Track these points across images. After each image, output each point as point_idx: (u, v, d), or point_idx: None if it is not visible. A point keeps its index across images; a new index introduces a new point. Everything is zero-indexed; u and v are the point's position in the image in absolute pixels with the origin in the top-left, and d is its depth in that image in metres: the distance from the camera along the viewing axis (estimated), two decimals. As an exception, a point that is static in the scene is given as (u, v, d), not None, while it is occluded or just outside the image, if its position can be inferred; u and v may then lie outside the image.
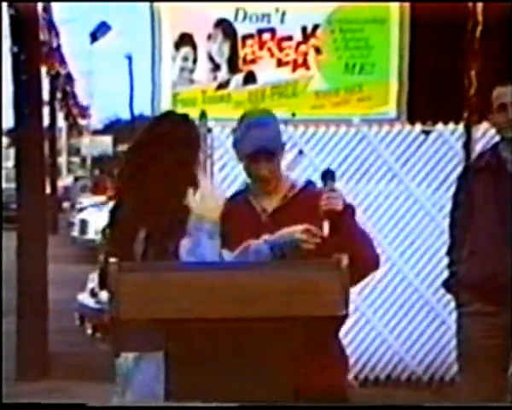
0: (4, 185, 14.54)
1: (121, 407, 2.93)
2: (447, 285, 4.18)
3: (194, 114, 6.66)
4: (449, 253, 4.19)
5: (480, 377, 3.92)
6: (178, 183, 3.08)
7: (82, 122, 27.79)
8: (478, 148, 6.62)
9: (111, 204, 3.20)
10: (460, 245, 4.04)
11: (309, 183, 3.32)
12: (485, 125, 6.77)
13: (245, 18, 7.30)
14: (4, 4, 7.38)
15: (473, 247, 3.94)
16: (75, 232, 18.62)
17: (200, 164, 3.22)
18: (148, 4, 7.44)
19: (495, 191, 3.88)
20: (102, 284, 2.92)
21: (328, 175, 3.10)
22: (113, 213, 3.15)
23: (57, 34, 19.10)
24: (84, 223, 17.91)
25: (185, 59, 7.33)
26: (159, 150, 3.11)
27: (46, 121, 16.82)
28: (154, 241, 3.01)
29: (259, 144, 3.13)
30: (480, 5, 6.39)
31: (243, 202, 3.19)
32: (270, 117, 3.37)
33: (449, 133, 6.79)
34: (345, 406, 2.83)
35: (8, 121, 8.47)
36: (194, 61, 7.33)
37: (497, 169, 3.92)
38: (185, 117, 3.27)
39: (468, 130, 6.51)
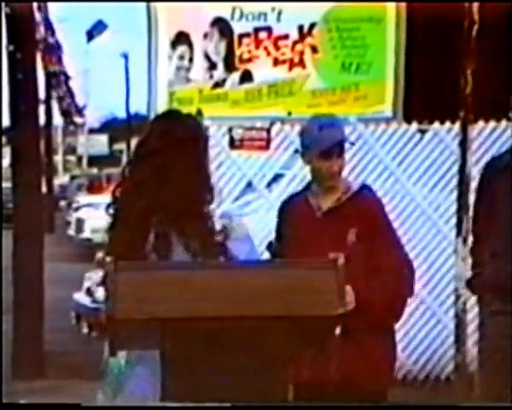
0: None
1: (121, 406, 2.93)
2: (470, 285, 4.19)
3: (186, 111, 6.66)
4: (472, 253, 4.21)
5: (498, 376, 3.94)
6: (191, 181, 3.07)
7: (79, 121, 27.75)
8: (474, 147, 6.63)
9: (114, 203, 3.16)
10: (483, 245, 4.05)
11: (363, 187, 3.52)
12: (480, 124, 6.78)
13: (241, 17, 7.31)
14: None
15: (495, 247, 3.95)
16: (71, 231, 18.63)
17: (209, 162, 3.21)
18: (144, 3, 7.44)
19: None
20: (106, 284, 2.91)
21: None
22: (120, 212, 3.11)
23: (53, 33, 19.08)
24: (80, 222, 17.91)
25: (181, 58, 7.33)
26: (168, 149, 3.10)
27: (42, 120, 16.82)
28: (167, 240, 2.99)
29: (333, 142, 3.42)
30: (475, 5, 6.39)
31: (302, 200, 3.53)
32: (338, 119, 3.68)
33: (445, 132, 6.80)
34: (345, 406, 2.84)
35: (4, 120, 8.46)
36: (191, 59, 7.33)
37: None
38: (190, 116, 3.27)
39: (463, 129, 6.52)
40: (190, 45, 7.32)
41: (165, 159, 3.06)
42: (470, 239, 4.28)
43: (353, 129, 6.69)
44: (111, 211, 3.11)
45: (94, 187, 26.83)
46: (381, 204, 3.52)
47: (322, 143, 3.43)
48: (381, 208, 3.49)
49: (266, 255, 3.53)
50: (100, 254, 3.08)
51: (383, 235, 3.37)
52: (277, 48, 7.30)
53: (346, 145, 3.53)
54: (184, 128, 3.14)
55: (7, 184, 7.81)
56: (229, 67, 7.31)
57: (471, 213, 4.29)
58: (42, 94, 19.37)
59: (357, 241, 3.34)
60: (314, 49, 7.28)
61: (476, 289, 4.17)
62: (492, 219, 3.98)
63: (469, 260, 4.28)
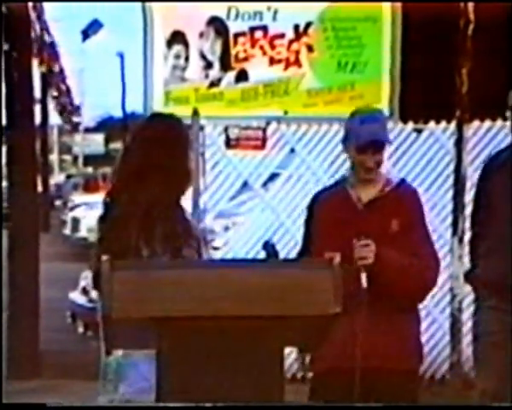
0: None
1: (121, 407, 2.93)
2: (468, 278, 4.24)
3: (186, 112, 6.67)
4: (470, 247, 4.25)
5: (493, 372, 3.96)
6: (173, 182, 3.10)
7: (75, 120, 27.74)
8: (469, 146, 6.64)
9: (105, 202, 3.19)
10: (480, 241, 4.09)
11: (402, 181, 3.63)
12: (476, 123, 6.79)
13: (237, 16, 7.31)
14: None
15: (491, 243, 3.98)
16: (67, 230, 18.60)
17: (192, 162, 3.24)
18: (140, 3, 7.43)
19: None
20: (96, 284, 2.93)
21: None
22: (108, 212, 3.14)
23: (49, 32, 19.06)
24: (75, 221, 17.90)
25: (177, 57, 7.33)
26: (152, 151, 3.13)
27: (38, 119, 16.79)
28: (153, 239, 3.02)
29: (371, 137, 3.48)
30: (471, 4, 6.40)
31: (340, 191, 3.55)
32: (380, 114, 3.77)
33: (440, 132, 6.81)
34: (345, 406, 2.85)
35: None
36: (187, 59, 7.33)
37: None
38: (172, 117, 3.31)
39: (459, 128, 6.53)
40: (186, 44, 7.32)
41: (143, 161, 3.10)
42: (468, 235, 4.31)
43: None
44: (102, 213, 3.15)
45: (90, 186, 26.81)
46: (418, 197, 3.62)
47: (361, 138, 3.50)
48: (419, 201, 3.60)
49: (262, 255, 3.53)
50: (91, 254, 3.10)
51: (420, 226, 3.51)
52: (273, 47, 7.30)
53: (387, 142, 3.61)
54: (163, 130, 3.18)
55: (2, 183, 7.79)
56: (225, 66, 7.31)
57: (470, 209, 4.32)
58: (37, 93, 19.35)
59: (399, 231, 3.45)
60: (310, 49, 7.28)
61: (473, 284, 4.20)
62: (490, 216, 4.01)
63: (467, 256, 4.31)
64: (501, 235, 3.93)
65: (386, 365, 3.43)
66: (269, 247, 3.27)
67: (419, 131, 6.88)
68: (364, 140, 3.48)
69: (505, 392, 3.91)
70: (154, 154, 3.12)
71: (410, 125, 6.89)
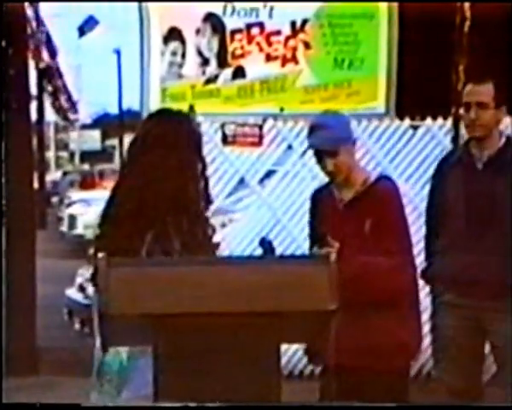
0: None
1: (121, 406, 2.92)
2: (424, 275, 4.25)
3: (183, 108, 6.66)
4: (426, 243, 4.27)
5: (453, 366, 4.00)
6: (181, 179, 3.08)
7: (72, 116, 27.68)
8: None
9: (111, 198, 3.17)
10: (435, 238, 4.12)
11: (381, 178, 3.66)
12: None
13: (233, 12, 7.29)
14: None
15: (446, 240, 4.01)
16: (64, 227, 18.58)
17: (202, 154, 3.23)
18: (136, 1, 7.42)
19: (465, 187, 3.94)
20: (95, 280, 2.92)
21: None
22: (111, 209, 3.12)
23: (45, 28, 19.03)
24: (72, 218, 17.88)
25: (174, 53, 7.32)
26: (167, 147, 3.11)
27: (34, 116, 16.76)
28: (160, 237, 3.00)
29: (318, 145, 3.59)
30: (467, 1, 6.40)
31: (327, 192, 3.67)
32: (331, 117, 3.75)
33: (437, 128, 6.81)
34: (345, 406, 2.85)
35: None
36: (183, 55, 7.32)
37: (467, 165, 3.97)
38: (182, 113, 3.29)
39: (456, 125, 6.53)
40: (183, 41, 7.31)
41: (156, 156, 3.08)
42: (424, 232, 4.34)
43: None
44: (105, 208, 3.13)
45: (86, 183, 26.80)
46: (396, 193, 3.62)
47: (311, 146, 3.67)
48: (396, 197, 3.61)
49: (259, 251, 3.54)
50: (91, 251, 3.09)
51: (395, 223, 3.53)
52: (270, 44, 7.29)
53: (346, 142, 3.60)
54: (176, 125, 3.16)
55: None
56: (222, 62, 7.30)
57: (425, 207, 4.37)
58: (34, 90, 19.32)
59: (373, 230, 3.48)
60: (307, 45, 7.27)
61: (429, 280, 4.24)
62: (444, 213, 4.04)
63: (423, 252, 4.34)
64: (456, 231, 3.95)
65: (358, 363, 3.47)
66: (265, 243, 3.27)
67: (415, 128, 6.89)
68: (314, 148, 3.63)
69: (466, 387, 3.94)
70: (162, 151, 3.09)
71: (407, 122, 6.89)
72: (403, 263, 3.52)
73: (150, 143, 3.11)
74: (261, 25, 7.31)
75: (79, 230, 17.04)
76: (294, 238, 6.80)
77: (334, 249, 3.31)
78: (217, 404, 2.26)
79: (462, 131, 6.56)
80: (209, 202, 3.18)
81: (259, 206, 6.96)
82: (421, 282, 4.03)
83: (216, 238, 3.16)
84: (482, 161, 3.92)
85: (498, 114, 3.91)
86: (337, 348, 3.24)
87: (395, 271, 3.49)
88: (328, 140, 3.56)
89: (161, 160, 3.07)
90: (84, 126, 44.40)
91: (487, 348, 4.13)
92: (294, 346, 5.56)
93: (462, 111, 4.10)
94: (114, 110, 33.17)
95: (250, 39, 7.30)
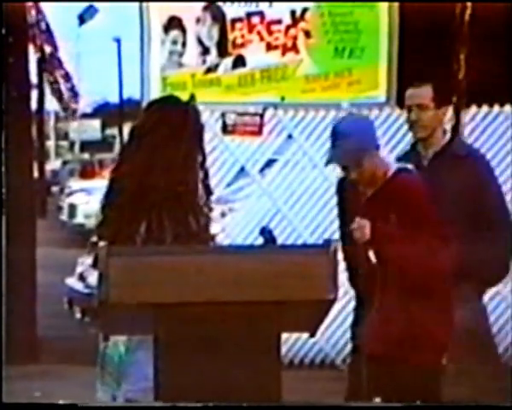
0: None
1: (122, 406, 2.92)
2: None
3: (183, 97, 6.64)
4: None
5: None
6: (181, 167, 3.07)
7: (72, 105, 27.66)
8: (466, 132, 6.64)
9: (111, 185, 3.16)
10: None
11: (399, 170, 3.60)
12: (474, 109, 6.78)
13: (233, 1, 7.27)
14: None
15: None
16: (64, 216, 18.59)
17: (203, 145, 3.22)
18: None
19: None
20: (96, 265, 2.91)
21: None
22: (112, 196, 3.11)
23: (44, 17, 18.99)
24: (72, 207, 17.89)
25: (174, 42, 7.30)
26: (166, 135, 3.10)
27: (34, 105, 16.73)
28: (153, 225, 3.00)
29: (340, 160, 3.57)
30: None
31: (352, 185, 3.61)
32: (354, 123, 3.70)
33: (438, 117, 6.79)
34: (345, 406, 2.85)
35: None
36: (184, 44, 7.30)
37: (414, 163, 4.00)
38: (187, 102, 3.27)
39: (457, 114, 6.52)
40: (183, 30, 7.29)
41: (158, 142, 3.07)
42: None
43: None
44: (105, 193, 3.12)
45: (86, 172, 26.80)
46: (413, 185, 3.59)
47: (334, 160, 3.66)
48: (413, 189, 3.57)
49: (259, 241, 3.53)
50: (94, 238, 3.08)
51: (416, 216, 3.49)
52: (270, 32, 7.27)
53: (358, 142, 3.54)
54: (180, 113, 3.14)
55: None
56: (222, 51, 7.28)
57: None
58: (34, 79, 19.28)
59: (395, 224, 3.48)
60: (307, 34, 7.25)
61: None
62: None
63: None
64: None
65: (398, 353, 3.43)
66: (266, 233, 3.27)
67: (416, 117, 6.86)
68: (334, 163, 3.64)
69: None
70: (161, 139, 3.08)
71: (408, 111, 6.87)
72: (432, 251, 3.47)
73: (150, 130, 3.10)
74: (261, 14, 7.29)
75: (79, 219, 17.05)
76: (295, 228, 6.79)
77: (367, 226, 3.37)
78: (217, 404, 2.26)
79: (463, 120, 6.57)
80: (209, 193, 3.16)
81: (260, 195, 6.96)
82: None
83: (214, 229, 3.15)
84: (427, 159, 3.97)
85: (440, 114, 4.01)
86: (374, 336, 3.30)
87: (425, 260, 3.46)
88: (352, 152, 3.49)
89: (160, 148, 3.06)
90: (85, 116, 44.34)
91: None
92: (295, 335, 5.56)
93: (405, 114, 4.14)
94: (114, 99, 33.14)
95: (250, 28, 7.27)
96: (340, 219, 3.81)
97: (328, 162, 3.67)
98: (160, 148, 3.06)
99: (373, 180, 3.56)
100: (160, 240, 2.97)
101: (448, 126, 6.66)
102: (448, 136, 4.03)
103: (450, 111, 4.24)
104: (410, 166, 3.70)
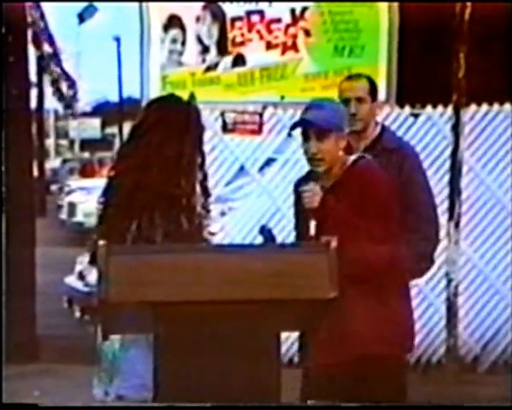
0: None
1: (122, 406, 2.93)
2: None
3: (183, 96, 6.65)
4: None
5: None
6: (183, 167, 3.07)
7: (72, 104, 27.68)
8: (466, 130, 6.64)
9: (105, 184, 3.17)
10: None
11: (358, 159, 3.54)
12: (473, 108, 6.78)
13: (233, 0, 7.27)
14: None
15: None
16: (63, 215, 18.59)
17: (203, 146, 3.22)
18: (136, -14, 7.39)
19: None
20: (93, 262, 2.92)
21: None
22: (109, 194, 3.12)
23: (44, 15, 18.98)
24: (72, 206, 17.88)
25: (174, 41, 7.30)
26: (164, 134, 3.10)
27: (34, 103, 16.72)
28: (144, 224, 3.00)
29: (311, 120, 3.46)
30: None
31: (312, 178, 3.50)
32: (328, 102, 3.68)
33: (437, 116, 6.81)
34: (345, 406, 2.85)
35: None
36: (183, 43, 7.29)
37: None
38: (188, 102, 3.26)
39: (456, 112, 6.52)
40: (183, 29, 7.29)
41: (156, 141, 3.07)
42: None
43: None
44: (103, 191, 3.13)
45: (86, 171, 26.80)
46: (373, 172, 3.50)
47: (304, 120, 3.54)
48: (374, 177, 3.49)
49: (259, 240, 3.53)
50: (93, 236, 3.09)
51: (373, 204, 3.39)
52: (270, 31, 7.27)
53: (339, 130, 3.50)
54: (180, 113, 3.14)
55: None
56: (222, 50, 7.28)
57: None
58: (33, 77, 19.27)
59: (355, 213, 3.38)
60: (307, 33, 7.25)
61: None
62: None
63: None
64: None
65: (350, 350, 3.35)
66: (265, 232, 3.27)
67: (416, 116, 6.87)
68: (303, 124, 3.51)
69: None
70: (158, 138, 3.08)
71: (407, 110, 6.88)
72: (391, 242, 3.38)
73: (148, 129, 3.10)
74: (261, 12, 7.29)
75: (79, 217, 17.04)
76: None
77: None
78: (216, 403, 2.26)
79: (463, 118, 6.57)
80: (206, 195, 3.14)
81: (259, 194, 6.96)
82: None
83: (212, 228, 3.13)
84: (359, 152, 3.97)
85: (374, 107, 4.07)
86: (329, 335, 3.19)
87: (384, 252, 3.37)
88: (323, 120, 3.46)
89: (157, 148, 3.06)
90: (84, 114, 44.32)
91: None
92: (295, 334, 5.56)
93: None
94: (114, 98, 33.12)
95: (250, 27, 7.27)
96: (297, 218, 3.66)
97: (293, 127, 3.58)
98: (158, 147, 3.06)
99: (331, 170, 3.46)
100: (150, 239, 2.96)
101: (448, 125, 6.68)
102: (378, 129, 4.07)
103: (382, 105, 4.33)
104: (368, 155, 3.65)
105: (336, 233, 3.06)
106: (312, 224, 3.35)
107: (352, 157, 3.54)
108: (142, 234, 2.98)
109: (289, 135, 3.69)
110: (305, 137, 3.52)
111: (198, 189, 3.13)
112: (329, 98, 3.93)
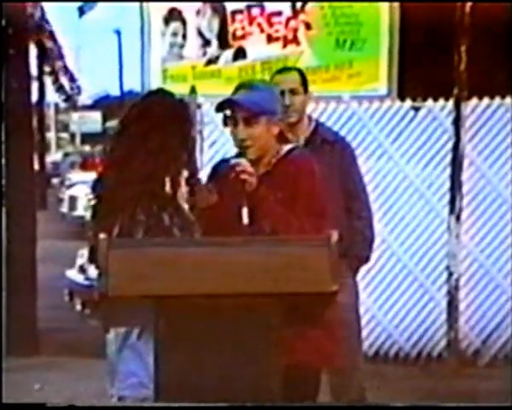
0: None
1: (122, 406, 2.94)
2: None
3: (184, 89, 6.65)
4: None
5: None
6: (166, 162, 3.06)
7: (73, 97, 27.70)
8: (467, 124, 6.63)
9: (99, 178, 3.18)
10: None
11: (291, 150, 3.36)
12: (474, 101, 6.77)
13: (233, -7, 7.27)
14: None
15: None
16: (64, 209, 18.59)
17: (190, 143, 3.20)
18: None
19: None
20: (91, 259, 2.93)
21: None
22: (98, 188, 3.13)
23: (44, 8, 18.95)
24: (73, 199, 17.87)
25: (175, 34, 7.29)
26: (148, 129, 3.09)
27: (35, 97, 16.70)
28: (127, 218, 3.00)
29: (239, 102, 3.16)
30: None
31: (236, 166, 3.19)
32: (260, 83, 3.54)
33: (439, 109, 6.79)
34: (345, 406, 2.85)
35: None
36: (184, 36, 7.29)
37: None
38: (175, 95, 3.25)
39: (457, 106, 6.51)
40: (183, 22, 7.28)
41: (137, 134, 3.06)
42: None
43: (347, 106, 6.69)
44: (92, 185, 3.13)
45: (87, 164, 26.77)
46: (307, 164, 3.31)
47: (231, 101, 3.21)
48: (308, 168, 3.29)
49: None
50: (89, 232, 3.09)
51: (306, 194, 3.21)
52: (271, 24, 7.26)
53: (269, 114, 3.22)
54: (164, 107, 3.13)
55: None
56: (223, 43, 7.27)
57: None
58: (34, 70, 19.24)
59: (286, 204, 3.18)
60: (308, 26, 7.24)
61: None
62: None
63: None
64: None
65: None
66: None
67: (417, 109, 6.86)
68: (231, 104, 3.17)
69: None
70: (151, 132, 3.08)
71: (408, 103, 6.86)
72: (316, 231, 3.07)
73: (130, 122, 3.10)
74: (262, 6, 7.28)
75: (80, 211, 17.02)
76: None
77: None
78: (216, 404, 2.26)
79: (464, 112, 6.56)
80: (191, 193, 3.08)
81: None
82: None
83: (188, 228, 3.03)
84: (298, 143, 3.97)
85: (307, 99, 4.10)
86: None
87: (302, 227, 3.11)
88: (252, 102, 3.14)
89: (138, 140, 3.06)
90: (85, 108, 44.32)
91: None
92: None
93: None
94: (115, 91, 33.13)
95: (251, 20, 7.26)
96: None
97: (218, 109, 3.20)
98: (140, 140, 3.06)
99: (262, 158, 3.23)
100: (131, 235, 2.94)
101: (449, 119, 6.67)
102: (314, 123, 4.11)
103: (314, 97, 4.44)
104: (301, 146, 3.58)
105: (267, 224, 3.04)
106: (245, 211, 3.11)
107: (287, 147, 3.31)
108: (124, 230, 2.97)
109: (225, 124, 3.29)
110: (233, 122, 3.17)
111: (184, 186, 3.09)
112: (262, 79, 3.73)
